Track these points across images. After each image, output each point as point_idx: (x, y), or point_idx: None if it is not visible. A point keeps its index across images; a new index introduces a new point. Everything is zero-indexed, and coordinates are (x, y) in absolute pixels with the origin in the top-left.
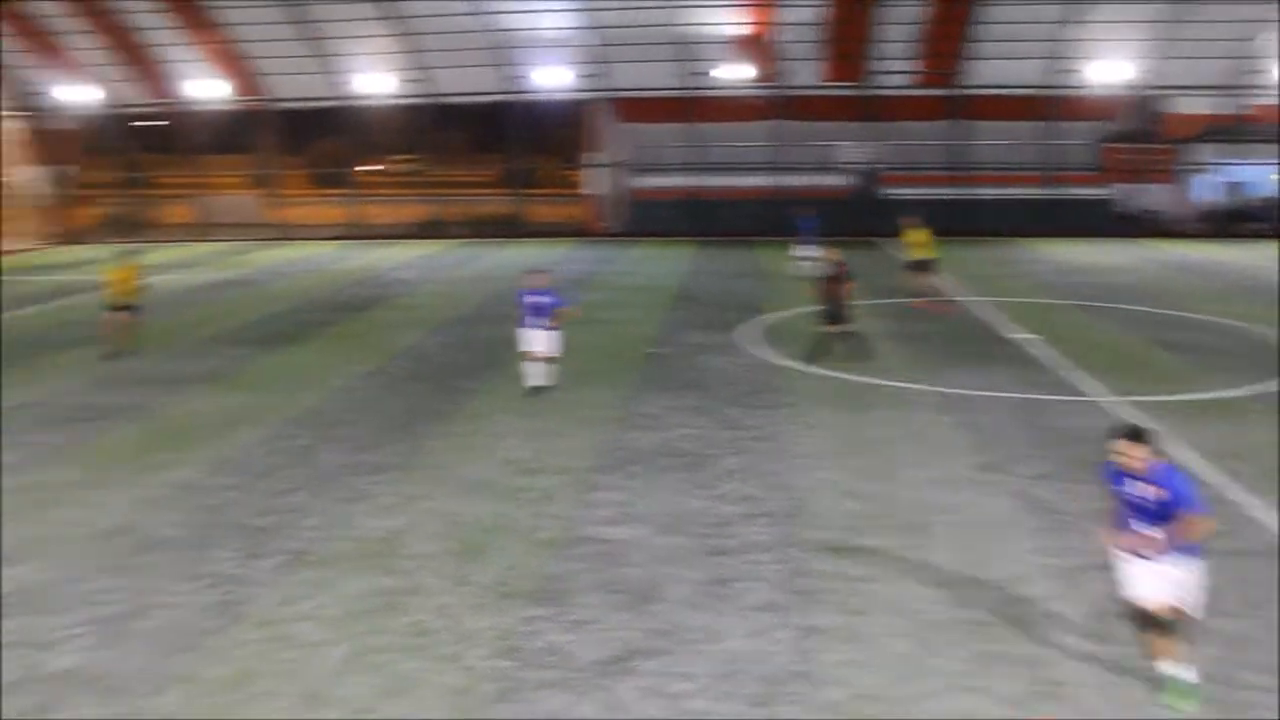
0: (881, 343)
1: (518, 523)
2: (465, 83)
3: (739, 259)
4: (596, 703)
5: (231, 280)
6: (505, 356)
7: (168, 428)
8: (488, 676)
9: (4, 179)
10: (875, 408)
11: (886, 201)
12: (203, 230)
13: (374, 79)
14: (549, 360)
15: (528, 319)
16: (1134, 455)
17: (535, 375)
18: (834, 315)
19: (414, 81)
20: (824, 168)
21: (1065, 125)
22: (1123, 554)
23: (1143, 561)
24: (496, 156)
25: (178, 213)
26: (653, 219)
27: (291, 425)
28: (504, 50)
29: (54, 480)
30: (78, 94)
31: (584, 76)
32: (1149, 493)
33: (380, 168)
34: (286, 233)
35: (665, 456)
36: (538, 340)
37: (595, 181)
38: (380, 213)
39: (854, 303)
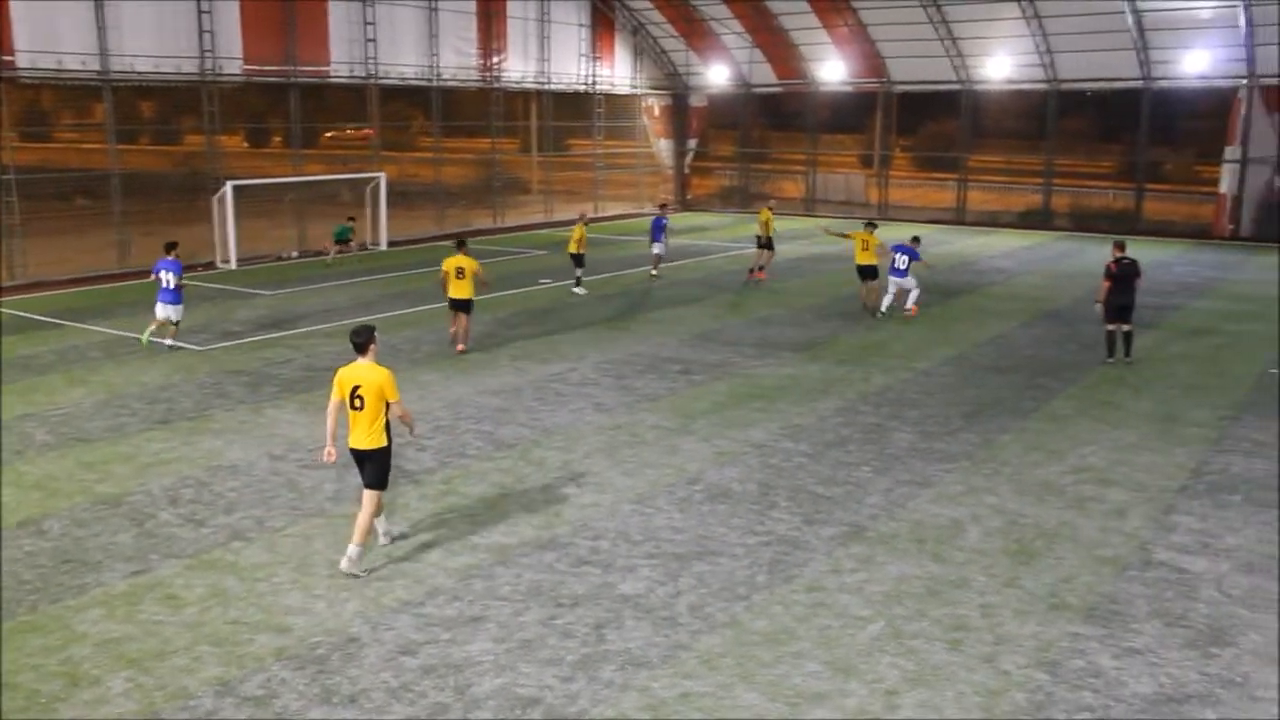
0: None
1: (1081, 534)
2: (1093, 68)
3: None
4: None
5: (835, 255)
6: (1095, 358)
7: (751, 389)
8: (1021, 685)
9: (650, 151)
10: None
11: None
12: (810, 205)
13: (995, 63)
14: None
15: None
16: None
17: None
18: None
19: (1035, 66)
20: None
21: None
22: None
23: None
24: (1118, 147)
25: (789, 187)
26: None
27: (862, 401)
28: (1142, 34)
29: (644, 424)
30: (712, 73)
31: (1230, 62)
32: None
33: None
34: (887, 213)
35: (1265, 490)
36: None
37: (1229, 178)
38: (984, 199)
39: None
